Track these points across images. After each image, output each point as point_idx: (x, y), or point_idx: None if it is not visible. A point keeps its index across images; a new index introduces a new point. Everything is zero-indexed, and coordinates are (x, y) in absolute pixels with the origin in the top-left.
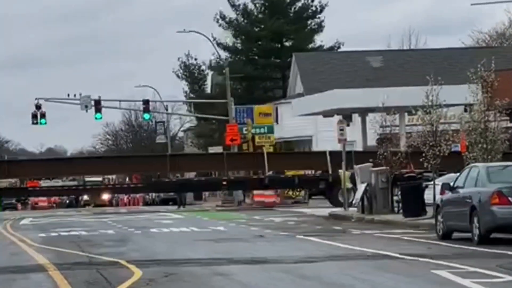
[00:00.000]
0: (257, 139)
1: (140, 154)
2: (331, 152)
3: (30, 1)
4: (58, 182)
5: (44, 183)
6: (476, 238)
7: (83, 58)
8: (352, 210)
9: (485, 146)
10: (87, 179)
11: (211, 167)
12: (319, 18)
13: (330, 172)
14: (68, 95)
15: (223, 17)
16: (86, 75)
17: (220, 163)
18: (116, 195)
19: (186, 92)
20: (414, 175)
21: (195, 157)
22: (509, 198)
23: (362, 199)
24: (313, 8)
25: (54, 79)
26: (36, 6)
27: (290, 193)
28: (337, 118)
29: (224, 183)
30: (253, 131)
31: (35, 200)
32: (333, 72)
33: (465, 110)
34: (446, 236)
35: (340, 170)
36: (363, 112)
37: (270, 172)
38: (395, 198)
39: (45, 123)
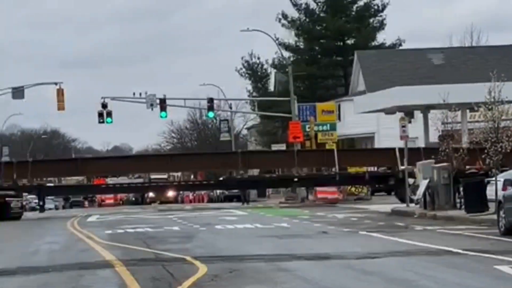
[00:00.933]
0: (319, 136)
1: (211, 152)
2: (400, 149)
3: (99, 1)
4: (124, 180)
5: (111, 180)
6: None
7: (148, 57)
8: (415, 207)
9: None
10: (152, 176)
11: (281, 164)
12: (380, 16)
13: (399, 168)
14: (134, 94)
15: (285, 17)
16: (152, 74)
17: (290, 160)
18: (181, 192)
19: (249, 90)
20: (476, 171)
21: (265, 154)
22: None
23: (424, 195)
24: (375, 6)
25: (120, 78)
26: (105, 6)
27: (353, 189)
28: (399, 115)
29: (296, 179)
30: (315, 128)
31: (101, 198)
32: (395, 70)
33: None
34: (508, 231)
35: (402, 167)
36: (425, 109)
37: (333, 169)
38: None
39: (111, 121)
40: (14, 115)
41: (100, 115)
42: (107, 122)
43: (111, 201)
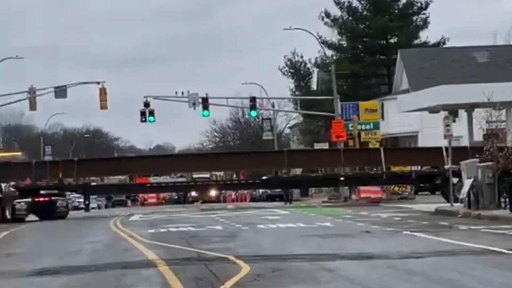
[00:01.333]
0: (363, 135)
1: (255, 150)
2: (447, 148)
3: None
4: (166, 179)
5: (153, 180)
6: None
7: (191, 56)
8: (459, 206)
9: None
10: (195, 176)
11: (326, 163)
12: (424, 14)
13: (447, 167)
14: (176, 92)
15: (328, 15)
16: (194, 73)
17: (335, 159)
18: (223, 191)
19: (292, 89)
20: None
21: (310, 153)
22: None
23: (468, 194)
24: (418, 4)
25: (163, 77)
26: (148, 5)
27: (396, 189)
28: (443, 114)
29: (342, 178)
30: (359, 127)
31: (144, 197)
32: (439, 68)
33: None
34: None
35: (446, 166)
36: (469, 107)
37: (379, 168)
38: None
39: (154, 120)
40: (57, 114)
41: (143, 114)
42: (149, 121)
43: (154, 200)
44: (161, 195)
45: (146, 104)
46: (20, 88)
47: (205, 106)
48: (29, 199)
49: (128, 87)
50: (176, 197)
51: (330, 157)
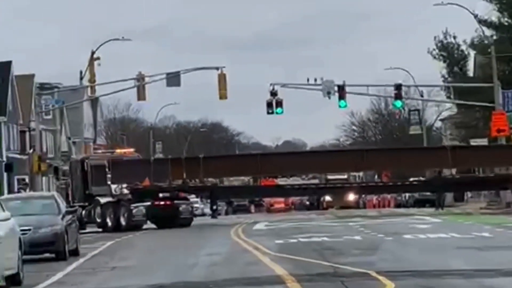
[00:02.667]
0: None
1: (412, 147)
2: None
3: None
4: (297, 181)
5: (281, 181)
6: None
7: (324, 38)
8: None
9: None
10: (329, 177)
11: (488, 162)
12: None
13: None
14: (308, 80)
15: None
16: (328, 57)
17: (501, 157)
18: (363, 195)
19: (443, 75)
20: None
21: (481, 149)
22: None
23: None
24: None
25: (291, 62)
26: None
27: None
28: None
29: None
30: None
31: (270, 202)
32: None
33: None
34: None
35: None
36: None
37: None
38: None
39: (282, 112)
40: (169, 105)
41: (269, 104)
42: (277, 113)
43: (281, 205)
44: (290, 199)
45: (273, 93)
46: (127, 75)
47: (342, 95)
48: (148, 203)
49: (252, 74)
50: (307, 202)
51: (503, 154)
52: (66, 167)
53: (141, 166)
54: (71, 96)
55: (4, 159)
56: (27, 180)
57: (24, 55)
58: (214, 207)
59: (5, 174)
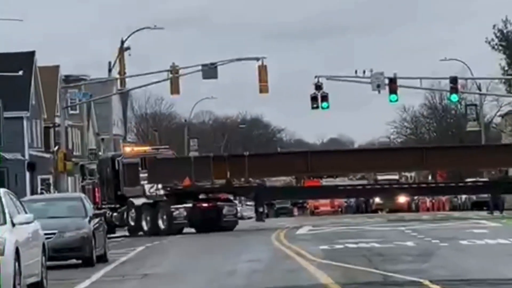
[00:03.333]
0: None
1: (475, 144)
2: None
3: None
4: (344, 181)
5: (326, 182)
6: None
7: (372, 27)
8: None
9: None
10: (379, 177)
11: None
12: None
13: None
14: (356, 72)
15: None
16: (377, 47)
17: None
18: (416, 197)
19: (503, 67)
20: None
21: None
22: None
23: None
24: None
25: (337, 53)
26: None
27: None
28: None
29: None
30: None
31: (315, 204)
32: None
33: None
34: None
35: None
36: None
37: None
38: None
39: (328, 106)
40: (206, 99)
41: (314, 99)
42: (322, 108)
43: (327, 208)
44: (336, 202)
45: (318, 87)
46: (159, 67)
47: (393, 89)
48: (189, 205)
49: (294, 64)
50: (355, 204)
51: None
52: (93, 166)
53: (180, 165)
54: (99, 90)
55: (27, 157)
56: (51, 180)
57: (47, 45)
58: (261, 209)
59: (27, 174)
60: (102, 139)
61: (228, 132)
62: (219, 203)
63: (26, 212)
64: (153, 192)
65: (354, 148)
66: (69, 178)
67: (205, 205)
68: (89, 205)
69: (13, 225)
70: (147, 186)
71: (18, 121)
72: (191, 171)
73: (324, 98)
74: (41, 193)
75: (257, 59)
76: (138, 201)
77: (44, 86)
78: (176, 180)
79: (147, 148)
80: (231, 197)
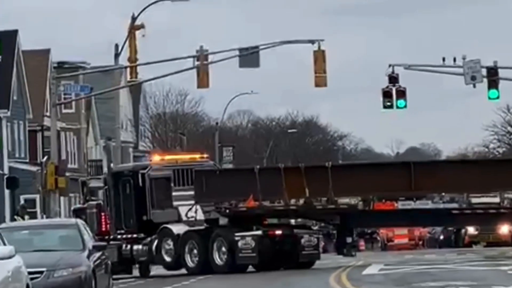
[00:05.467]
0: None
1: None
2: None
3: None
4: (425, 204)
5: (403, 205)
6: None
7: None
8: None
9: None
10: (474, 200)
11: None
12: None
13: None
14: (444, 59)
15: None
16: (472, 27)
17: None
18: None
19: None
20: None
21: None
22: None
23: None
24: None
25: (417, 33)
26: None
27: None
28: None
29: None
30: None
31: (388, 235)
32: None
33: None
34: None
35: None
36: None
37: None
38: None
39: (405, 105)
40: (244, 94)
41: (387, 94)
42: (398, 107)
43: (404, 240)
44: (416, 232)
45: (393, 79)
46: (182, 52)
47: (493, 82)
48: (258, 232)
49: (360, 50)
50: (441, 236)
51: None
52: (96, 184)
53: (237, 179)
54: (102, 81)
55: (6, 171)
56: (37, 201)
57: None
58: (349, 240)
59: (6, 192)
60: (105, 147)
61: (273, 138)
62: (296, 230)
63: (4, 244)
64: (190, 216)
65: (476, 159)
66: (62, 198)
67: (278, 232)
68: (88, 235)
69: None
70: (182, 209)
71: None
72: (256, 187)
73: (401, 94)
74: (14, 219)
75: (312, 42)
76: (177, 228)
77: (29, 77)
78: (229, 198)
79: (181, 156)
80: (309, 223)
